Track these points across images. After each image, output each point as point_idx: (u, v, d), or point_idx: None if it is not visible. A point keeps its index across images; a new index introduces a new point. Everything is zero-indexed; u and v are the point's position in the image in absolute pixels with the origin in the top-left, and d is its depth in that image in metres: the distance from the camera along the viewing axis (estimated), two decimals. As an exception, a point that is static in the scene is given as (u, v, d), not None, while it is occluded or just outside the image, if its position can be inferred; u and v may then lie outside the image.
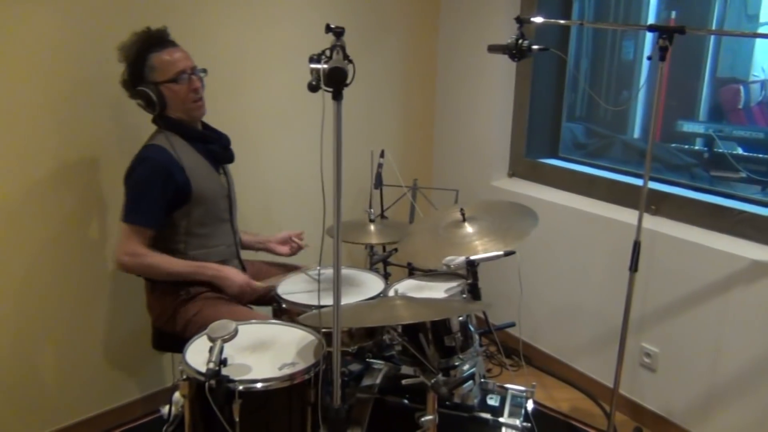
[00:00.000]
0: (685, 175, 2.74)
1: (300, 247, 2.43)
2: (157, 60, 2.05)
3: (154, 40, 2.07)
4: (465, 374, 1.78)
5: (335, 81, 1.16)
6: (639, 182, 2.20)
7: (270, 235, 2.47)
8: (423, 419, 1.56)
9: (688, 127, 2.84)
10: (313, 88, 1.21)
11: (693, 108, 2.84)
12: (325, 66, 1.17)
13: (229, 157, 2.27)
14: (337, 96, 1.20)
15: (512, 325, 2.52)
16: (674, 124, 2.86)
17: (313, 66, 1.19)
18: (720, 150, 2.69)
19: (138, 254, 2.04)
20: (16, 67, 2.15)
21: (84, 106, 2.31)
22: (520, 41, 2.11)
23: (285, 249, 2.42)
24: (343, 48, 1.21)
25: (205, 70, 2.15)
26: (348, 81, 1.24)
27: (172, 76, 2.05)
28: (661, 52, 1.95)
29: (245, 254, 2.39)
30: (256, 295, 2.18)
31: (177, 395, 1.70)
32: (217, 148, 2.21)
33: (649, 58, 2.03)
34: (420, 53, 3.38)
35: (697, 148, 2.82)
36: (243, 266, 2.32)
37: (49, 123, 2.25)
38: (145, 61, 2.05)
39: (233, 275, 2.12)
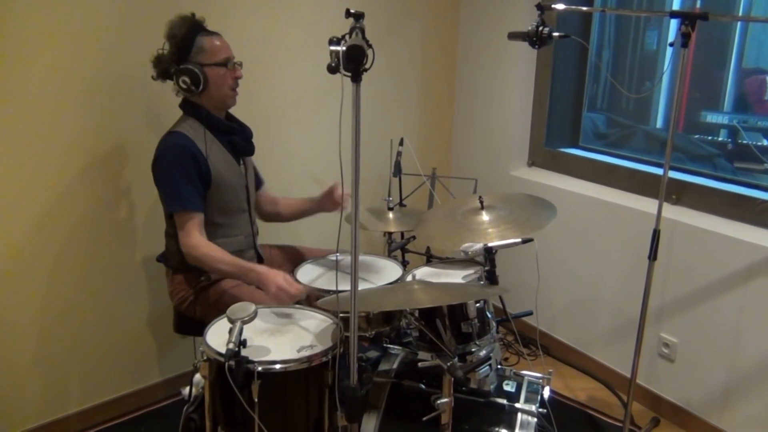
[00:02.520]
0: (708, 165, 2.71)
1: (339, 195, 2.32)
2: (208, 42, 2.09)
3: (200, 25, 2.11)
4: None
5: (353, 59, 1.17)
6: (660, 171, 2.18)
7: (308, 199, 2.45)
8: (438, 402, 1.57)
9: (712, 117, 2.80)
10: (332, 69, 1.22)
11: (717, 99, 2.80)
12: (344, 48, 1.18)
13: (250, 150, 2.29)
14: (356, 78, 1.21)
15: (529, 313, 2.52)
16: (698, 115, 2.82)
17: (332, 48, 1.21)
18: (744, 141, 2.66)
19: (199, 244, 2.04)
20: (48, 60, 2.19)
21: (115, 97, 2.35)
22: (541, 28, 2.09)
23: (329, 207, 2.37)
24: (362, 30, 1.22)
25: (240, 63, 2.18)
26: (367, 65, 1.25)
27: (221, 60, 2.09)
28: (683, 39, 1.93)
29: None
30: (294, 299, 2.03)
31: (198, 376, 1.73)
32: (239, 140, 2.23)
33: (671, 45, 2.00)
34: (440, 41, 3.37)
35: (720, 139, 2.78)
36: (259, 255, 2.34)
37: (82, 113, 2.29)
38: (193, 42, 2.06)
39: (272, 278, 1.99)
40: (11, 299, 2.28)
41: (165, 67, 2.09)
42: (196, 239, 2.04)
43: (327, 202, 2.37)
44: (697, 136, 2.80)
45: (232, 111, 2.28)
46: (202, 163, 2.08)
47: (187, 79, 2.05)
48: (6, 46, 2.10)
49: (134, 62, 2.31)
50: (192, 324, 2.19)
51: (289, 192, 2.59)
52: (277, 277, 1.96)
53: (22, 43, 2.13)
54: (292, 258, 2.43)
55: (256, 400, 1.55)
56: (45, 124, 2.23)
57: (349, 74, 1.24)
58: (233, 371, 1.50)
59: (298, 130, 2.91)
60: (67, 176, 2.32)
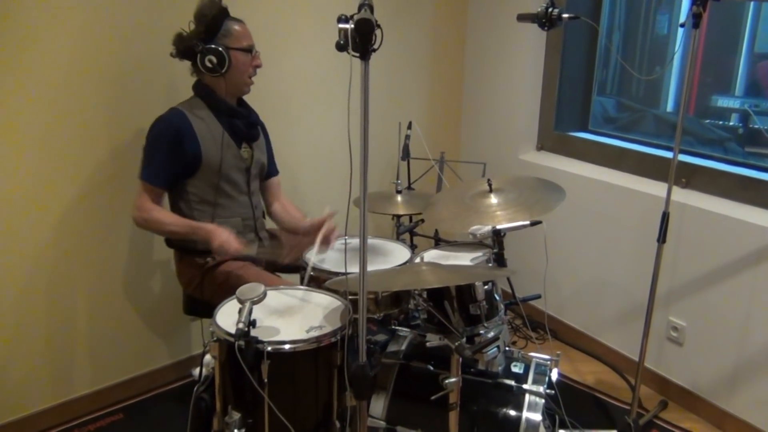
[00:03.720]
0: (718, 149, 2.70)
1: (331, 239, 2.19)
2: (236, 27, 2.13)
3: (227, 11, 2.13)
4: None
5: (362, 33, 1.17)
6: (669, 155, 2.17)
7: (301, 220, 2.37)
8: (447, 381, 1.58)
9: (723, 102, 2.78)
10: (340, 47, 1.22)
11: (729, 83, 2.78)
12: (352, 24, 1.18)
13: (252, 136, 2.30)
14: (365, 56, 1.21)
15: (538, 297, 2.52)
16: (709, 99, 2.80)
17: (341, 26, 1.21)
18: (756, 126, 2.64)
19: (144, 209, 2.12)
20: (53, 54, 2.20)
21: (117, 89, 2.37)
22: (550, 9, 2.08)
23: (324, 247, 2.18)
24: (371, 7, 1.22)
25: (258, 53, 2.21)
26: (375, 45, 1.25)
27: (245, 45, 2.14)
28: (694, 20, 1.91)
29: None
30: (230, 255, 2.09)
31: (208, 357, 1.75)
32: (240, 125, 2.24)
33: (681, 25, 1.98)
34: (449, 24, 3.35)
35: (731, 123, 2.76)
36: (262, 243, 2.34)
37: (81, 105, 2.30)
38: (222, 24, 2.10)
39: (218, 234, 2.05)
40: (23, 282, 2.30)
41: (188, 45, 2.11)
42: (147, 204, 2.12)
43: (313, 234, 2.17)
44: (707, 121, 2.78)
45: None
46: (189, 142, 2.11)
47: (213, 59, 2.09)
48: (17, 37, 2.12)
49: (154, 49, 2.34)
50: (201, 305, 2.21)
51: (298, 176, 2.59)
52: (222, 234, 2.05)
53: (30, 34, 2.14)
54: (300, 241, 2.43)
55: (265, 380, 1.57)
56: (64, 110, 2.26)
57: (358, 54, 1.24)
58: (243, 351, 1.51)
59: (307, 113, 2.91)
60: (80, 162, 2.34)
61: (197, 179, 2.16)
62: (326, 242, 2.17)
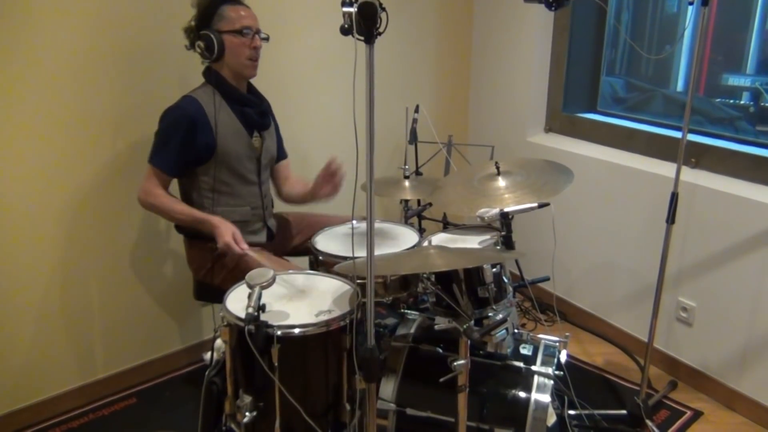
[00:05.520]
0: (729, 128, 2.67)
1: (338, 175, 2.26)
2: (229, 11, 2.12)
3: None
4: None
5: (366, 17, 1.17)
6: (679, 135, 2.15)
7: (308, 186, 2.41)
8: (455, 363, 1.59)
9: (734, 80, 2.75)
10: (345, 31, 1.22)
11: (740, 61, 2.75)
12: (356, 8, 1.17)
13: (264, 124, 2.29)
14: (370, 40, 1.20)
15: (546, 279, 2.52)
16: (720, 78, 2.76)
17: (345, 9, 1.20)
18: (767, 104, 2.61)
19: (152, 194, 2.13)
20: (55, 46, 2.21)
21: (124, 77, 2.37)
22: (558, -11, 2.06)
23: (327, 189, 2.29)
24: (376, -11, 1.21)
25: (267, 37, 2.20)
26: (380, 28, 1.24)
27: (237, 27, 2.11)
28: (704, -3, 1.89)
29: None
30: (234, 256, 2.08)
31: (219, 341, 1.77)
32: (252, 113, 2.23)
33: (690, 3, 1.95)
34: (455, 5, 3.33)
35: (742, 102, 2.73)
36: (270, 232, 2.35)
37: (90, 93, 2.31)
38: (216, 9, 2.10)
39: (222, 232, 2.05)
40: (39, 271, 2.33)
41: (190, 33, 2.15)
42: (155, 189, 2.13)
43: (323, 182, 2.27)
44: (718, 99, 2.76)
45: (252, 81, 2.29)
46: (203, 130, 2.11)
47: (201, 44, 2.10)
48: (12, 30, 2.12)
49: (165, 36, 2.35)
50: (211, 291, 2.23)
51: (305, 159, 2.59)
52: (227, 233, 2.04)
53: (30, 28, 2.15)
54: (308, 226, 2.44)
55: (276, 363, 1.59)
56: (74, 92, 2.27)
57: (363, 37, 1.23)
58: (253, 336, 1.53)
59: (313, 98, 2.91)
60: (95, 148, 2.36)
61: (209, 167, 2.16)
62: (331, 180, 2.25)
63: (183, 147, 2.10)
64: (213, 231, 2.06)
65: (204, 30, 2.10)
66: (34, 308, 2.35)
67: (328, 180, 2.26)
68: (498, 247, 2.05)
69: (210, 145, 2.13)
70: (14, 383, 2.36)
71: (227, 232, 2.04)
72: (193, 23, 2.14)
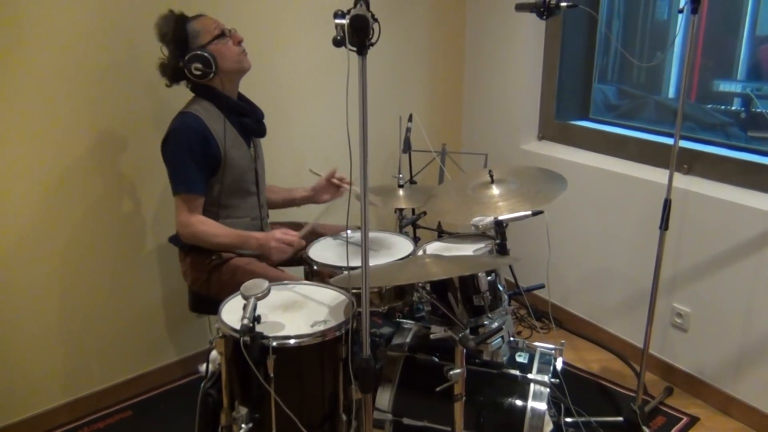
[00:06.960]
0: (720, 134, 2.69)
1: (342, 187, 2.37)
2: (198, 24, 2.11)
3: (183, 15, 2.13)
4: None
5: (358, 30, 1.18)
6: (671, 141, 2.17)
7: (302, 188, 2.47)
8: (451, 372, 1.59)
9: (724, 86, 2.77)
10: (337, 42, 1.22)
11: (730, 67, 2.77)
12: (348, 20, 1.18)
13: (261, 132, 2.30)
14: (362, 51, 1.21)
15: (541, 286, 2.53)
16: (711, 84, 2.79)
17: (337, 21, 1.21)
18: (758, 110, 2.63)
19: (189, 224, 2.09)
20: (51, 52, 2.21)
21: (118, 86, 2.37)
22: (548, -1, 2.07)
23: (328, 195, 2.39)
24: (367, 1, 1.22)
25: (234, 29, 2.19)
26: (373, 39, 1.25)
27: (218, 33, 2.11)
28: (692, 5, 1.90)
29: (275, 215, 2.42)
30: (297, 247, 2.14)
31: (214, 353, 1.76)
32: (250, 122, 2.23)
33: (680, 11, 1.97)
34: (448, 14, 3.34)
35: (734, 107, 2.75)
36: None
37: (85, 103, 2.31)
38: (185, 30, 2.09)
39: (269, 247, 2.10)
40: (32, 282, 2.32)
41: (173, 67, 2.11)
42: (194, 218, 2.10)
43: (326, 187, 2.39)
44: (709, 106, 2.77)
45: (243, 92, 2.28)
46: (212, 144, 2.09)
47: (199, 65, 2.07)
48: (8, 37, 2.12)
49: (139, 49, 2.33)
50: (206, 302, 2.22)
51: (300, 170, 2.59)
52: (274, 234, 2.09)
53: (24, 34, 2.15)
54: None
55: (271, 374, 1.58)
56: (60, 108, 2.26)
57: (355, 48, 1.24)
58: (248, 347, 1.53)
59: (306, 108, 2.91)
60: (84, 160, 2.35)
61: (214, 182, 2.15)
62: (336, 190, 2.37)
63: (203, 160, 2.08)
64: (260, 249, 2.11)
65: (188, 53, 2.07)
66: (28, 322, 2.34)
67: (331, 187, 2.38)
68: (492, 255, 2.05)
69: (218, 159, 2.12)
70: (8, 397, 2.35)
71: (274, 233, 2.09)
72: (168, 58, 2.11)
